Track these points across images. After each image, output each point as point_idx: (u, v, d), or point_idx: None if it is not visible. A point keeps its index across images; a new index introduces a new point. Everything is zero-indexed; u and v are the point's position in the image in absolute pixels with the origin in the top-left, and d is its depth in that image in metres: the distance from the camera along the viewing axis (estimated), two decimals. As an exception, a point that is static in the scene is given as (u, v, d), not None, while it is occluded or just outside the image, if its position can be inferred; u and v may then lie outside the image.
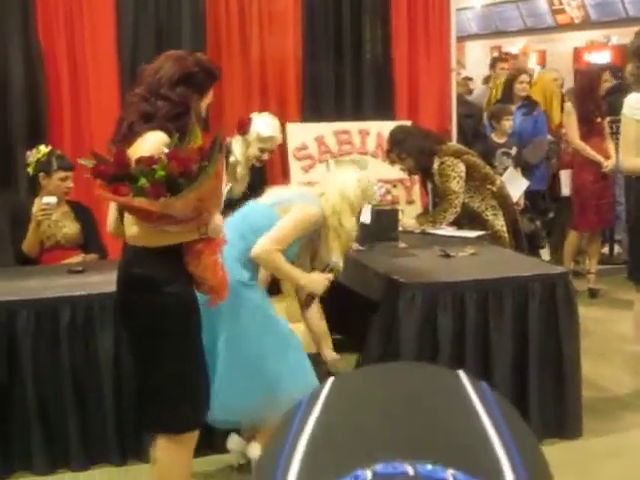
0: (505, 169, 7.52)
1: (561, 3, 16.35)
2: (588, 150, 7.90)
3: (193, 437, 3.79)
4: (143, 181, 3.24)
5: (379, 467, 0.62)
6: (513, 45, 17.88)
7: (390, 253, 5.51)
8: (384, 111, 7.46)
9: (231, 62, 7.18)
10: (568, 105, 8.41)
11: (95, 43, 6.67)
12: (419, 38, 7.70)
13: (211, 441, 4.66)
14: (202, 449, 4.42)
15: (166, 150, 3.34)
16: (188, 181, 3.30)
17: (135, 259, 3.59)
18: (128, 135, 3.54)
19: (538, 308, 4.84)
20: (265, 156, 5.89)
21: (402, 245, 5.74)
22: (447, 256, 5.37)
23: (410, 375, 0.76)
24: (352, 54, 7.57)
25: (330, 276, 4.53)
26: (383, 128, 6.79)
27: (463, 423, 0.68)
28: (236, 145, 5.86)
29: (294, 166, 6.89)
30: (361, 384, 0.75)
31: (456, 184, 6.02)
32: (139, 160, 3.30)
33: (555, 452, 4.87)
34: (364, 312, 5.26)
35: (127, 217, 3.49)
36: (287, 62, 7.22)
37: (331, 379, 0.76)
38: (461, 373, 0.76)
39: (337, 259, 4.60)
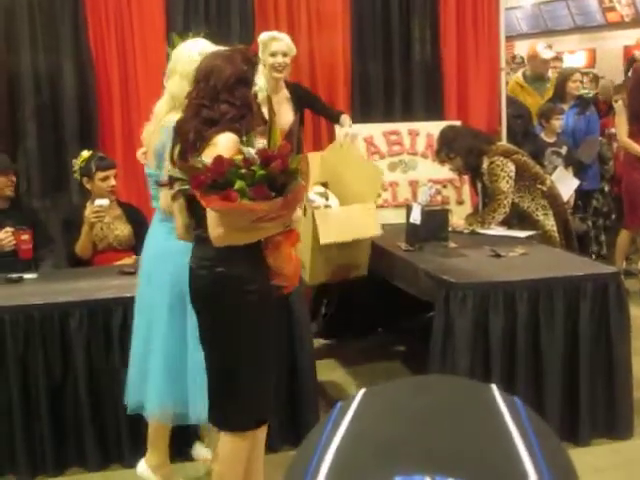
0: (555, 168, 7.47)
1: (611, 1, 16.21)
2: (635, 147, 7.83)
3: (256, 434, 3.82)
4: (240, 184, 3.24)
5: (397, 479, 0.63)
6: (563, 44, 17.78)
7: (440, 253, 5.49)
8: (433, 111, 7.45)
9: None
10: (619, 104, 8.35)
11: (145, 48, 6.73)
12: (468, 38, 7.68)
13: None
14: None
15: (251, 150, 3.35)
16: (290, 177, 3.33)
17: (221, 258, 3.57)
18: (197, 142, 3.53)
19: (589, 308, 4.82)
20: (279, 58, 5.85)
21: (452, 245, 5.72)
22: (497, 256, 5.35)
23: (441, 389, 0.76)
24: (401, 54, 7.56)
25: None
26: (433, 128, 6.77)
27: (492, 440, 0.68)
28: (259, 77, 5.53)
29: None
30: (391, 397, 0.75)
31: (505, 184, 5.99)
32: (230, 164, 3.29)
33: (605, 452, 4.85)
34: (414, 312, 5.28)
35: (211, 219, 3.43)
36: (336, 63, 7.23)
37: (362, 390, 0.76)
38: (494, 387, 0.76)
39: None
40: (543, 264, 5.18)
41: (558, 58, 10.97)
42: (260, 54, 5.58)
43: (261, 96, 5.03)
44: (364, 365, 5.23)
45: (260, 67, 5.11)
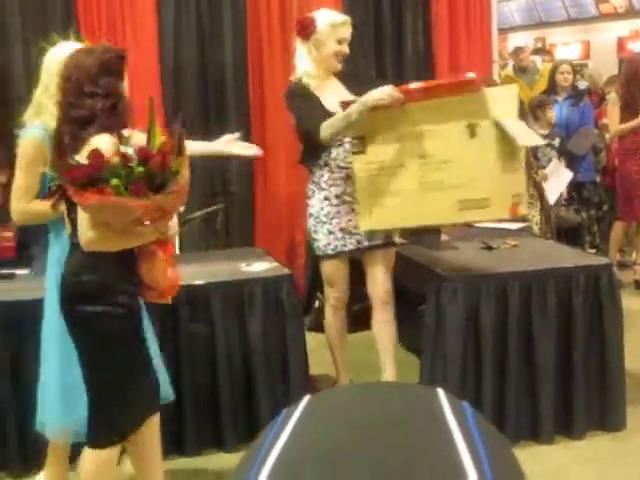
0: (549, 161, 7.48)
1: (605, -8, 16.22)
2: (628, 124, 7.85)
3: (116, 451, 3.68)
4: (115, 181, 3.14)
5: None
6: (557, 36, 17.79)
7: (431, 245, 5.50)
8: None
9: (273, 63, 7.19)
10: (612, 95, 8.37)
11: (137, 49, 6.71)
12: (460, 30, 7.67)
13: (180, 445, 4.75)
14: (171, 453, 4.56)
15: (129, 149, 3.26)
16: (170, 174, 3.23)
17: (88, 265, 3.46)
18: (75, 145, 3.39)
19: (581, 299, 4.82)
20: (345, 48, 5.03)
21: (444, 238, 5.72)
22: (489, 248, 5.35)
23: (386, 396, 0.75)
24: (393, 47, 7.56)
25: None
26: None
27: (435, 449, 0.67)
28: (304, 59, 5.03)
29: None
30: (336, 405, 0.74)
31: None
32: (109, 162, 3.20)
33: (598, 444, 4.86)
34: (408, 305, 5.27)
35: (83, 221, 3.34)
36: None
37: (307, 397, 0.76)
38: (440, 392, 0.76)
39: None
40: (534, 256, 5.19)
41: (544, 50, 11.09)
42: (322, 36, 4.94)
43: (306, 80, 5.00)
44: (358, 359, 5.22)
45: (310, 50, 4.98)
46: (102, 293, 3.45)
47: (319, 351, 5.56)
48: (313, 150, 4.98)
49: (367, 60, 7.39)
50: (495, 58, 7.98)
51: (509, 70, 10.25)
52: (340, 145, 4.93)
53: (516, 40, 17.74)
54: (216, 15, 7.12)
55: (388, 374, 5.10)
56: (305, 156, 5.12)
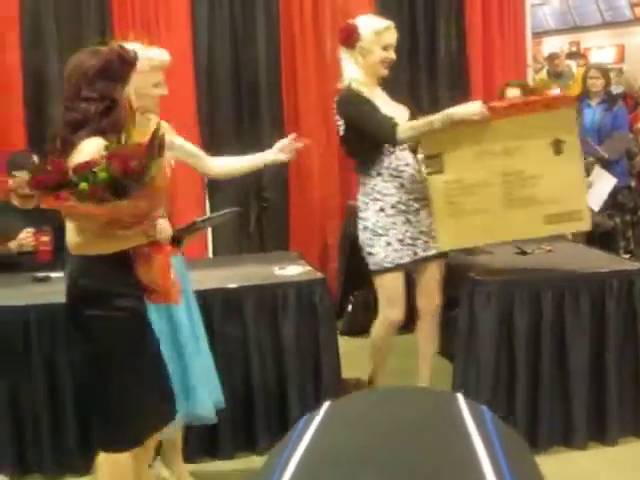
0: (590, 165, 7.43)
1: (640, -4, 16.10)
2: None
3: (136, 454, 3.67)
4: (84, 186, 3.13)
5: None
6: (591, 40, 17.68)
7: (466, 250, 5.48)
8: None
9: (306, 65, 7.22)
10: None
11: (171, 50, 6.72)
12: (494, 34, 7.66)
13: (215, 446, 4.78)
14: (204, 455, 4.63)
15: (104, 152, 3.23)
16: (133, 180, 3.18)
17: (82, 270, 3.47)
18: (64, 149, 3.39)
19: (615, 305, 4.79)
20: (392, 54, 4.95)
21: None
22: (523, 253, 5.33)
23: (406, 401, 0.75)
24: (427, 51, 7.56)
25: None
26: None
27: (455, 454, 0.67)
28: (350, 67, 4.94)
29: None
30: (356, 410, 0.74)
31: None
32: (77, 167, 3.18)
33: (631, 450, 4.83)
34: (443, 308, 5.25)
35: (68, 225, 3.36)
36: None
37: (328, 402, 0.76)
38: (459, 397, 0.75)
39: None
40: (568, 261, 5.16)
41: (578, 54, 11.07)
42: (367, 43, 4.86)
43: (356, 87, 4.90)
44: (391, 363, 5.21)
45: (356, 58, 4.90)
46: (99, 297, 3.45)
47: (351, 355, 5.56)
48: (369, 158, 4.88)
49: (402, 64, 7.39)
50: (529, 62, 7.95)
51: (543, 74, 10.23)
52: (392, 153, 4.85)
53: (550, 44, 17.66)
54: (249, 15, 7.16)
55: (422, 381, 5.09)
56: (360, 165, 4.99)
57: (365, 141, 4.83)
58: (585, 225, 4.87)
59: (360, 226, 4.98)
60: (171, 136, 4.20)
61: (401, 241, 4.86)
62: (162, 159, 3.29)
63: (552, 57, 10.43)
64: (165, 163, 3.37)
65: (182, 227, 3.83)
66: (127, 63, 3.54)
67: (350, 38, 4.90)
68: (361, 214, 4.96)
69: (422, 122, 4.69)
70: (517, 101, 4.78)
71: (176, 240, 3.71)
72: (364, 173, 4.93)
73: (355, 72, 4.88)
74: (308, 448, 0.70)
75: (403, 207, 4.86)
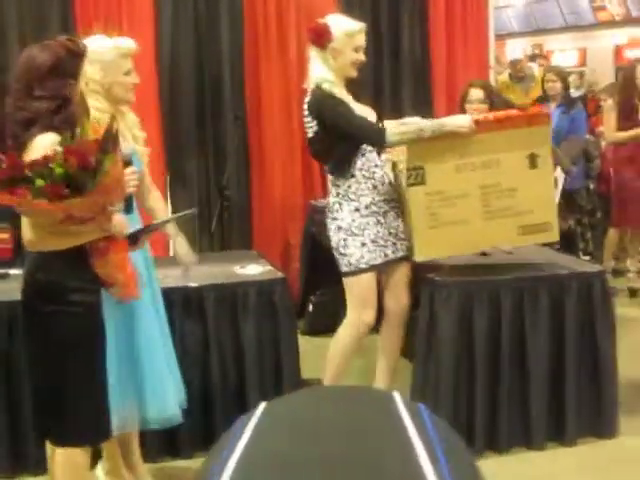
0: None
1: (602, 0, 16.24)
2: (625, 133, 7.87)
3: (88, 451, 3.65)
4: (40, 182, 3.10)
5: None
6: (554, 43, 17.82)
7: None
8: (422, 109, 7.42)
9: (269, 63, 7.23)
10: (608, 103, 8.39)
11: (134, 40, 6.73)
12: (457, 36, 7.71)
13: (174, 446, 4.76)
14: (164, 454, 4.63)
15: (59, 148, 3.20)
16: (89, 176, 3.16)
17: (38, 264, 3.46)
18: (16, 147, 3.35)
19: (574, 307, 4.83)
20: (361, 56, 4.90)
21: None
22: (483, 254, 5.34)
23: (342, 401, 0.75)
24: (390, 53, 7.58)
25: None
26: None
27: (394, 453, 0.67)
28: (319, 67, 4.86)
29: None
30: (292, 410, 0.74)
31: None
32: (33, 162, 3.15)
33: (590, 451, 4.87)
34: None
35: (23, 222, 3.34)
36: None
37: (263, 403, 0.76)
38: (396, 396, 0.75)
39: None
40: (528, 263, 5.18)
41: (540, 56, 11.16)
42: (339, 45, 4.79)
43: (327, 88, 4.85)
44: (351, 363, 5.21)
45: (326, 59, 4.81)
46: (55, 291, 3.42)
47: (312, 354, 5.55)
48: (345, 159, 4.84)
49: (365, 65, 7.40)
50: (492, 64, 8.00)
51: (505, 77, 10.29)
52: (363, 155, 4.84)
53: (513, 46, 17.78)
54: (213, 12, 7.16)
55: (382, 383, 5.09)
56: (333, 166, 4.92)
57: (341, 142, 4.80)
58: (554, 236, 5.03)
59: (332, 227, 4.93)
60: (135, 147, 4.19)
61: (374, 242, 4.85)
62: (115, 154, 3.26)
63: (514, 63, 10.52)
64: (118, 158, 3.32)
65: (138, 229, 3.81)
66: (77, 56, 3.50)
67: (321, 38, 4.81)
68: (335, 214, 4.90)
69: (413, 128, 4.69)
70: (501, 116, 4.84)
71: (132, 239, 3.68)
72: (338, 175, 4.88)
73: (325, 73, 4.83)
74: (246, 448, 0.70)
75: (375, 208, 4.86)
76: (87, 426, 3.56)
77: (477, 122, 4.74)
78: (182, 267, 4.55)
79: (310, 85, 4.89)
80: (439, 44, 7.65)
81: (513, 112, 5.06)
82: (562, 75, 8.31)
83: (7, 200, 3.19)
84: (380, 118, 4.98)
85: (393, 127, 4.74)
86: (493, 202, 4.84)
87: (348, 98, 4.90)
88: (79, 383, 3.49)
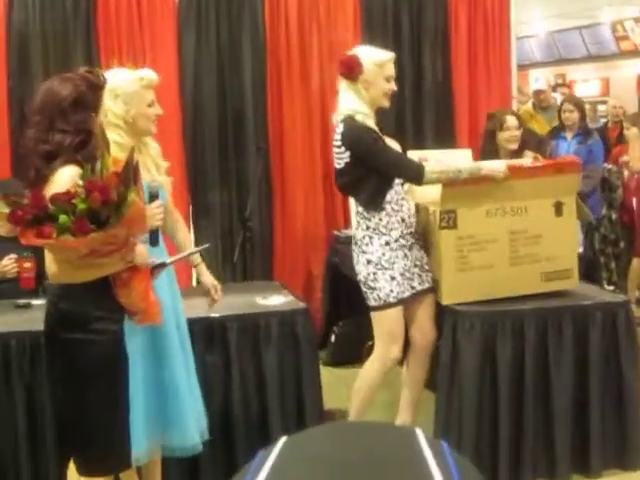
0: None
1: (625, 30, 16.20)
2: None
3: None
4: (64, 218, 3.12)
5: None
6: (576, 72, 17.79)
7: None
8: (445, 139, 7.46)
9: (291, 91, 7.26)
10: (633, 131, 8.37)
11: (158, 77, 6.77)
12: (479, 65, 7.71)
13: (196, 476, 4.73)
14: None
15: (80, 182, 3.21)
16: (111, 210, 3.18)
17: (61, 294, 3.49)
18: (38, 181, 3.38)
19: (598, 337, 4.80)
20: (393, 85, 4.85)
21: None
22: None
23: (364, 437, 0.73)
24: (412, 83, 7.59)
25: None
26: (443, 156, 6.76)
27: None
28: (351, 99, 4.81)
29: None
30: (312, 446, 0.73)
31: None
32: (54, 198, 3.16)
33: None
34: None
35: (47, 255, 3.36)
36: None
37: (283, 438, 0.75)
38: (419, 432, 0.74)
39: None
40: (552, 292, 5.16)
41: (564, 86, 11.17)
42: (370, 76, 4.76)
43: (361, 119, 4.75)
44: (376, 396, 5.17)
45: (358, 90, 4.78)
46: (78, 320, 3.44)
47: (334, 386, 5.55)
48: (378, 192, 4.81)
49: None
50: (514, 94, 8.00)
51: (529, 106, 10.31)
52: (391, 187, 4.82)
53: (536, 76, 17.78)
54: (236, 45, 7.20)
55: (406, 415, 5.08)
56: (365, 200, 4.86)
57: (374, 175, 4.77)
58: (573, 283, 5.09)
59: (361, 260, 4.89)
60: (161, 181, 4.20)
61: (402, 275, 4.83)
62: (137, 187, 3.27)
63: (538, 93, 10.56)
64: (140, 190, 3.35)
65: (157, 263, 3.82)
66: (97, 88, 3.52)
67: (352, 71, 4.76)
68: (364, 248, 4.86)
69: (451, 169, 4.73)
70: (534, 164, 4.91)
71: (151, 271, 3.70)
72: (370, 208, 4.83)
73: (358, 104, 4.78)
74: None
75: (403, 241, 4.85)
76: (109, 455, 3.57)
77: (512, 168, 4.79)
78: (208, 297, 4.54)
79: (340, 117, 4.85)
80: (461, 75, 7.66)
81: (549, 162, 5.08)
82: (580, 105, 8.29)
83: (34, 241, 3.21)
84: (403, 150, 4.99)
85: (431, 166, 4.77)
86: (520, 248, 4.91)
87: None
88: (101, 412, 3.50)
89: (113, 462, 3.60)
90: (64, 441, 3.69)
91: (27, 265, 5.39)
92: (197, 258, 4.51)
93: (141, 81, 4.10)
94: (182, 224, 4.61)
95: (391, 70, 4.88)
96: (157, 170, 4.23)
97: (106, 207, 3.16)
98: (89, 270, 3.37)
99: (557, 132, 8.45)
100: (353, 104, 4.78)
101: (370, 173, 4.78)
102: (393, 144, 4.94)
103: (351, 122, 4.78)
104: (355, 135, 4.77)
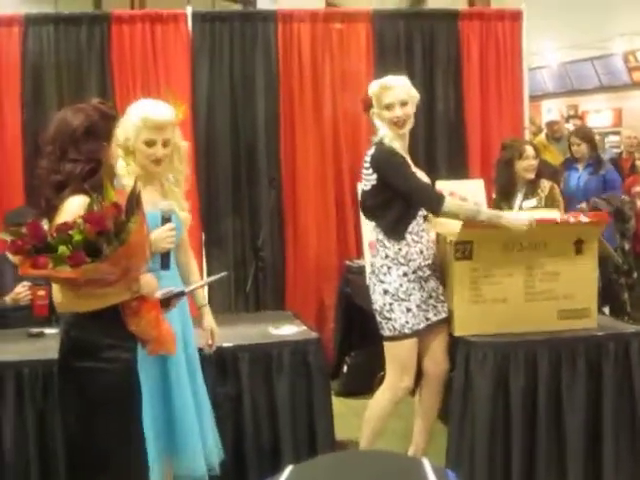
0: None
1: (637, 60, 16.25)
2: None
3: None
4: (63, 249, 3.13)
5: None
6: (589, 103, 17.81)
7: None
8: (457, 170, 7.46)
9: (304, 120, 7.29)
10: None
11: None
12: (491, 97, 7.73)
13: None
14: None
15: (82, 212, 3.23)
16: (108, 240, 3.18)
17: (74, 322, 3.49)
18: (48, 210, 3.41)
19: (612, 367, 4.78)
20: (397, 111, 4.78)
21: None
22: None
23: (369, 465, 0.73)
24: (424, 113, 7.59)
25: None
26: (455, 187, 6.77)
27: None
28: (379, 123, 4.86)
29: (366, 224, 6.86)
30: (318, 474, 0.73)
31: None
32: (56, 229, 3.19)
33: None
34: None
35: (53, 285, 3.40)
36: (359, 122, 7.26)
37: (289, 467, 0.74)
38: (425, 462, 0.74)
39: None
40: (565, 323, 5.15)
41: (576, 117, 11.22)
42: (375, 106, 4.85)
43: (388, 142, 4.76)
44: (387, 426, 5.16)
45: (378, 119, 4.85)
46: (90, 349, 3.43)
47: (346, 416, 5.53)
48: (400, 221, 4.81)
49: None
50: (526, 124, 8.01)
51: (542, 137, 10.35)
52: (414, 218, 4.83)
53: (548, 106, 17.81)
54: (249, 75, 7.24)
55: (419, 445, 5.06)
56: (388, 227, 4.84)
57: (398, 201, 4.78)
58: (592, 322, 5.02)
59: (378, 289, 4.87)
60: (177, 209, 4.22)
61: (418, 307, 4.82)
62: (139, 217, 3.27)
63: (551, 124, 10.61)
64: (143, 219, 3.33)
65: (169, 293, 3.83)
66: (109, 119, 3.54)
67: (366, 105, 4.92)
68: (382, 277, 4.84)
69: (470, 207, 4.84)
70: (565, 220, 4.93)
71: (164, 302, 3.70)
72: (391, 236, 4.82)
73: (384, 130, 4.83)
74: None
75: (420, 273, 4.83)
76: None
77: (540, 222, 4.78)
78: (205, 338, 4.56)
79: (374, 139, 4.92)
80: (473, 104, 7.68)
81: (579, 219, 5.00)
82: (587, 137, 8.33)
83: (29, 272, 3.23)
84: (432, 182, 5.03)
85: (452, 199, 4.79)
86: (536, 284, 4.89)
87: (408, 159, 4.90)
88: (115, 440, 3.47)
89: None
90: (76, 468, 3.66)
91: (40, 293, 5.40)
92: (203, 300, 4.55)
93: (144, 121, 4.09)
94: (192, 257, 4.61)
95: (389, 98, 4.84)
96: (173, 197, 4.23)
97: (102, 238, 3.17)
98: (93, 300, 3.37)
99: (570, 163, 8.49)
100: (382, 130, 4.83)
101: (395, 199, 4.78)
102: (420, 173, 4.94)
103: (379, 145, 4.84)
104: (382, 157, 4.81)
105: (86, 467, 3.56)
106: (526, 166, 6.21)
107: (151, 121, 4.10)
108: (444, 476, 0.72)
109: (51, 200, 3.39)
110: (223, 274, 4.69)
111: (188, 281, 4.36)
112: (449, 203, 4.71)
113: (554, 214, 5.22)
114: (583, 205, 7.99)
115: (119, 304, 3.43)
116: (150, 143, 4.11)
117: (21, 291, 5.51)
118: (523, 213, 4.95)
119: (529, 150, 6.27)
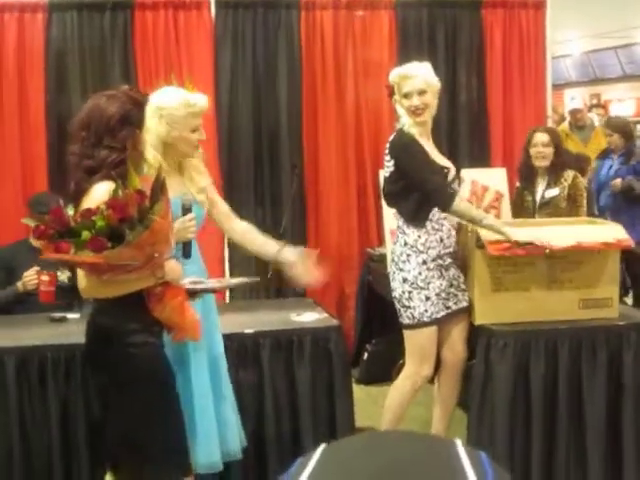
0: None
1: (661, 49, 16.17)
2: None
3: None
4: (86, 234, 3.18)
5: None
6: (612, 92, 17.72)
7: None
8: (479, 158, 7.45)
9: (326, 108, 7.28)
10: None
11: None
12: (514, 85, 7.70)
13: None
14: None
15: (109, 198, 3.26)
16: (131, 227, 3.21)
17: (99, 308, 3.54)
18: (77, 194, 3.46)
19: (633, 357, 4.77)
20: (414, 100, 4.76)
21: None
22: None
23: (400, 445, 0.74)
24: (447, 101, 7.58)
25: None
26: (477, 175, 6.76)
27: None
28: (400, 111, 4.86)
29: (388, 212, 6.87)
30: (350, 454, 0.73)
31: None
32: (80, 214, 3.24)
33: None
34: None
35: (78, 270, 3.44)
36: (382, 110, 7.26)
37: (322, 446, 0.75)
38: (458, 443, 0.74)
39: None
40: (586, 312, 5.14)
41: (599, 106, 11.17)
42: (396, 95, 4.86)
43: (407, 130, 4.75)
44: (407, 413, 5.17)
45: (399, 109, 4.86)
46: (116, 334, 3.47)
47: (366, 403, 5.54)
48: (421, 209, 4.81)
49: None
50: (549, 113, 7.98)
51: (565, 125, 10.31)
52: (434, 205, 4.82)
53: (571, 95, 17.71)
54: (271, 61, 7.23)
55: (438, 432, 5.06)
56: (409, 214, 4.84)
57: (415, 190, 4.79)
58: (613, 312, 5.00)
59: (398, 277, 4.88)
60: (206, 188, 4.28)
61: (438, 295, 4.81)
62: (162, 205, 3.30)
63: (575, 112, 10.54)
64: (166, 206, 3.36)
65: (197, 287, 3.85)
66: (141, 106, 3.59)
67: (390, 91, 4.92)
68: (402, 265, 4.85)
69: (478, 212, 4.91)
70: (580, 246, 4.85)
71: (190, 294, 3.73)
72: (411, 223, 4.82)
73: (405, 118, 4.84)
74: None
75: (440, 261, 4.82)
76: (167, 463, 3.61)
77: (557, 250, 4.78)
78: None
79: (397, 126, 4.95)
80: (496, 93, 7.66)
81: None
82: (618, 128, 8.31)
83: (52, 256, 3.28)
84: (457, 169, 5.03)
85: (463, 200, 4.78)
86: (558, 273, 4.88)
87: (430, 145, 4.91)
88: (149, 422, 3.54)
89: (173, 468, 3.65)
90: (114, 452, 3.70)
91: (44, 278, 5.33)
92: (275, 245, 4.56)
93: (190, 107, 4.10)
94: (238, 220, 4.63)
95: (407, 87, 4.83)
96: (192, 183, 4.25)
97: (124, 224, 3.21)
98: (117, 286, 3.40)
99: (607, 154, 8.50)
100: (403, 117, 4.83)
101: (410, 187, 4.79)
102: (442, 160, 4.94)
103: (399, 132, 4.86)
104: (400, 144, 4.83)
105: (123, 454, 3.60)
106: (534, 153, 6.19)
107: (199, 107, 4.14)
108: (477, 458, 0.73)
109: (80, 184, 3.43)
110: (256, 279, 4.74)
111: (254, 244, 4.48)
112: (458, 202, 4.74)
113: (560, 231, 5.06)
114: (617, 181, 8.01)
115: (144, 290, 3.46)
116: (195, 129, 4.15)
117: (28, 275, 5.49)
118: (526, 230, 4.84)
119: (537, 137, 6.22)
